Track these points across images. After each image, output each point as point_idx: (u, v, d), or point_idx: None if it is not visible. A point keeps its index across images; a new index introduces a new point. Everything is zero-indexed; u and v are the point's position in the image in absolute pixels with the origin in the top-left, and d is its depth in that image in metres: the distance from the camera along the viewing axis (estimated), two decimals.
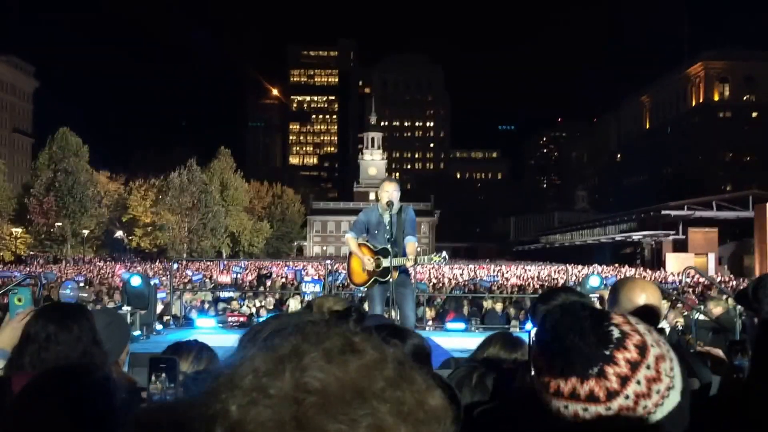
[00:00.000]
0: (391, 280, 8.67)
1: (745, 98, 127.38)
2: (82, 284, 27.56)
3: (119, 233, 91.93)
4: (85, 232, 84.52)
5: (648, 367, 1.40)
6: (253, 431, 0.83)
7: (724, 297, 14.94)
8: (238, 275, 40.53)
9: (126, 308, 13.78)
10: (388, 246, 8.76)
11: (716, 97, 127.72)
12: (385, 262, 8.78)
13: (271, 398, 0.85)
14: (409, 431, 0.88)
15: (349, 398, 0.86)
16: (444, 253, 9.61)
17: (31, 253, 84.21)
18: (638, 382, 1.39)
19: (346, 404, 0.86)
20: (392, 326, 3.12)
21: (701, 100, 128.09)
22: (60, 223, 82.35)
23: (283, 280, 35.48)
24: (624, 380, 1.38)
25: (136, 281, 14.36)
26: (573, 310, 1.47)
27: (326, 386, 0.86)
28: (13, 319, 3.83)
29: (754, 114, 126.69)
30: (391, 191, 8.99)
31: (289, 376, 0.87)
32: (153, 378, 2.25)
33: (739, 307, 11.73)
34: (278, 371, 0.88)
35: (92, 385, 2.30)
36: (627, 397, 1.38)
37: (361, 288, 9.77)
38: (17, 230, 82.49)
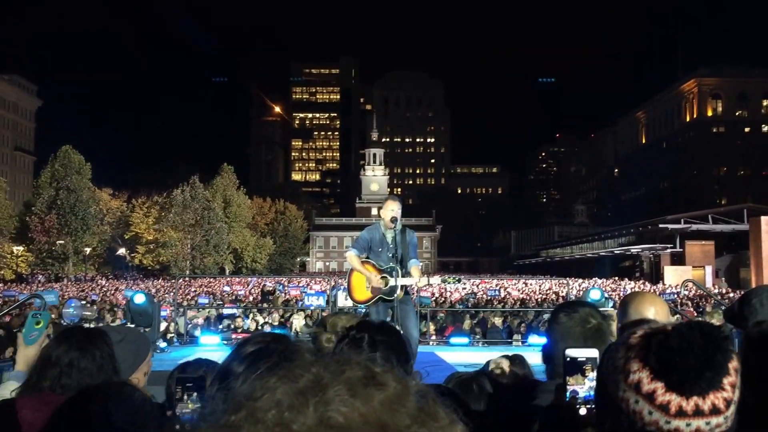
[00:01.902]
0: (396, 298, 8.74)
1: (737, 113, 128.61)
2: (84, 302, 27.58)
3: (122, 250, 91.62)
4: (87, 249, 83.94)
5: (738, 371, 1.47)
6: None
7: (721, 309, 15.07)
8: (241, 292, 40.47)
9: (129, 326, 13.80)
10: (392, 264, 8.83)
11: (710, 113, 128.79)
12: (392, 281, 8.84)
13: None
14: None
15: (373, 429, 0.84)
16: (458, 276, 9.73)
17: (32, 271, 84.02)
18: (738, 387, 1.45)
19: None
20: (376, 325, 3.21)
21: (695, 116, 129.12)
22: (62, 241, 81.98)
23: (287, 296, 35.40)
24: (734, 387, 1.43)
25: (139, 299, 14.33)
26: (711, 329, 1.47)
27: (350, 422, 0.84)
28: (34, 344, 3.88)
29: (747, 129, 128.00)
30: (396, 209, 8.99)
31: (313, 411, 0.85)
32: (185, 397, 2.29)
33: None
34: (301, 405, 0.86)
35: (130, 405, 2.33)
36: (735, 402, 1.44)
37: (362, 306, 9.81)
38: (18, 248, 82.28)
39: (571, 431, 2.14)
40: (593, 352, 2.16)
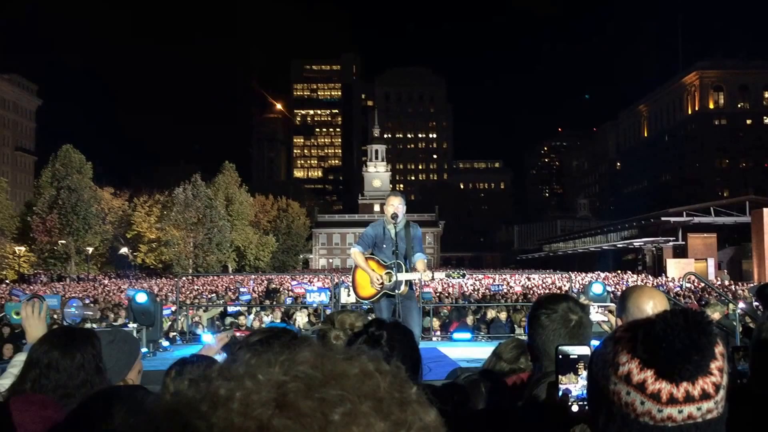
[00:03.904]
0: (399, 293, 8.72)
1: (739, 105, 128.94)
2: (88, 302, 27.57)
3: (124, 250, 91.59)
4: (90, 249, 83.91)
5: (725, 356, 1.48)
6: (237, 409, 0.83)
7: (728, 302, 15.01)
8: (244, 289, 40.47)
9: (132, 325, 13.77)
10: (395, 260, 8.80)
11: (711, 105, 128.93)
12: (395, 277, 8.82)
13: (259, 383, 0.85)
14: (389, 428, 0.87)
15: (332, 383, 0.86)
16: (462, 271, 9.68)
17: (35, 271, 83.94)
18: (725, 372, 1.46)
19: (324, 386, 0.85)
20: (392, 324, 3.19)
21: (697, 108, 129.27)
22: (64, 241, 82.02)
23: (291, 293, 35.40)
24: (721, 372, 1.44)
25: (141, 298, 14.31)
26: (695, 315, 1.46)
27: (313, 375, 0.87)
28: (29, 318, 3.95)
29: (749, 121, 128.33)
30: (396, 205, 9.05)
31: (278, 368, 0.88)
32: None
33: (738, 311, 11.80)
34: (269, 365, 0.88)
35: (140, 409, 2.29)
36: (724, 387, 1.45)
37: (366, 302, 9.79)
38: (20, 249, 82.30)
39: (563, 429, 2.12)
40: (585, 350, 2.15)
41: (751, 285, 35.86)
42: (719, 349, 1.45)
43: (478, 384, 3.72)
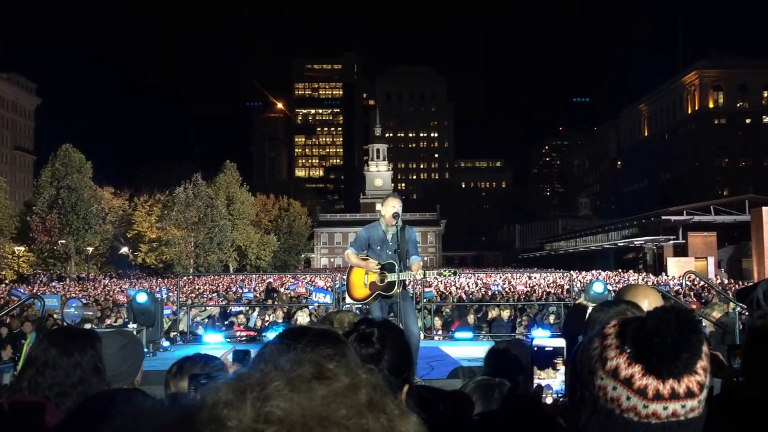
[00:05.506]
0: (394, 294, 8.69)
1: (738, 105, 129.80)
2: (86, 302, 27.47)
3: (124, 249, 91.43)
4: (90, 249, 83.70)
5: (708, 356, 1.48)
6: None
7: (727, 300, 15.01)
8: (246, 289, 40.39)
9: (132, 325, 13.74)
10: (394, 261, 8.77)
11: (711, 105, 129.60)
12: (390, 277, 8.80)
13: (228, 430, 0.82)
14: None
15: (312, 426, 0.83)
16: (453, 269, 9.68)
17: (34, 271, 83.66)
18: (709, 371, 1.47)
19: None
20: (382, 322, 3.16)
21: (696, 108, 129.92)
22: (63, 241, 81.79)
23: (291, 293, 35.29)
24: (705, 371, 1.45)
25: (141, 298, 14.26)
26: (686, 312, 1.45)
27: (288, 416, 0.83)
28: None
29: (748, 120, 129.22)
30: (397, 206, 9.01)
31: (250, 407, 0.84)
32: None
33: (738, 309, 11.81)
34: (239, 402, 0.85)
35: (139, 412, 2.22)
36: (707, 387, 1.46)
37: (361, 303, 9.74)
38: (20, 249, 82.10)
39: (538, 424, 2.07)
40: (560, 342, 2.06)
41: (750, 283, 35.86)
42: (705, 349, 1.45)
43: (493, 389, 3.68)
